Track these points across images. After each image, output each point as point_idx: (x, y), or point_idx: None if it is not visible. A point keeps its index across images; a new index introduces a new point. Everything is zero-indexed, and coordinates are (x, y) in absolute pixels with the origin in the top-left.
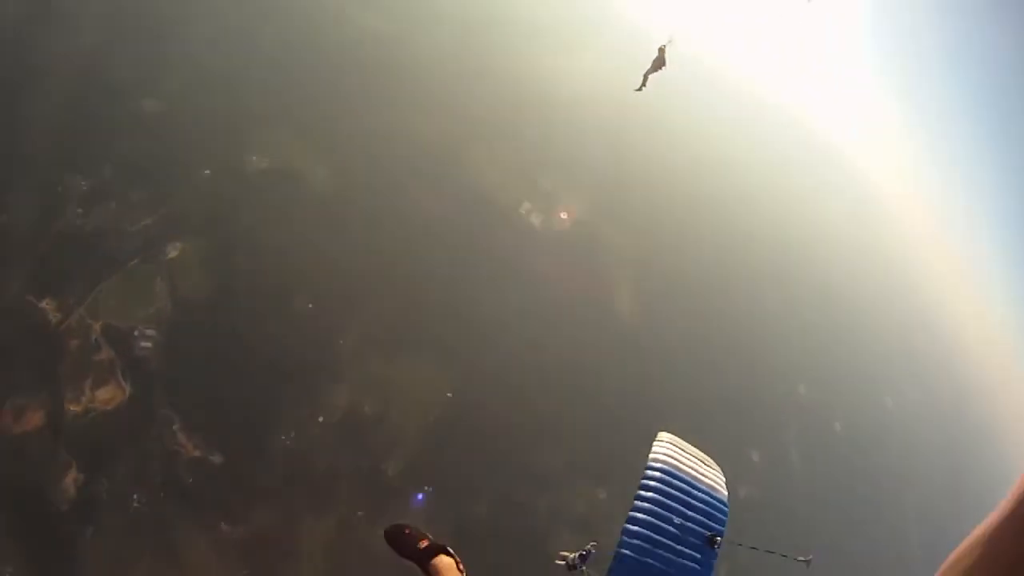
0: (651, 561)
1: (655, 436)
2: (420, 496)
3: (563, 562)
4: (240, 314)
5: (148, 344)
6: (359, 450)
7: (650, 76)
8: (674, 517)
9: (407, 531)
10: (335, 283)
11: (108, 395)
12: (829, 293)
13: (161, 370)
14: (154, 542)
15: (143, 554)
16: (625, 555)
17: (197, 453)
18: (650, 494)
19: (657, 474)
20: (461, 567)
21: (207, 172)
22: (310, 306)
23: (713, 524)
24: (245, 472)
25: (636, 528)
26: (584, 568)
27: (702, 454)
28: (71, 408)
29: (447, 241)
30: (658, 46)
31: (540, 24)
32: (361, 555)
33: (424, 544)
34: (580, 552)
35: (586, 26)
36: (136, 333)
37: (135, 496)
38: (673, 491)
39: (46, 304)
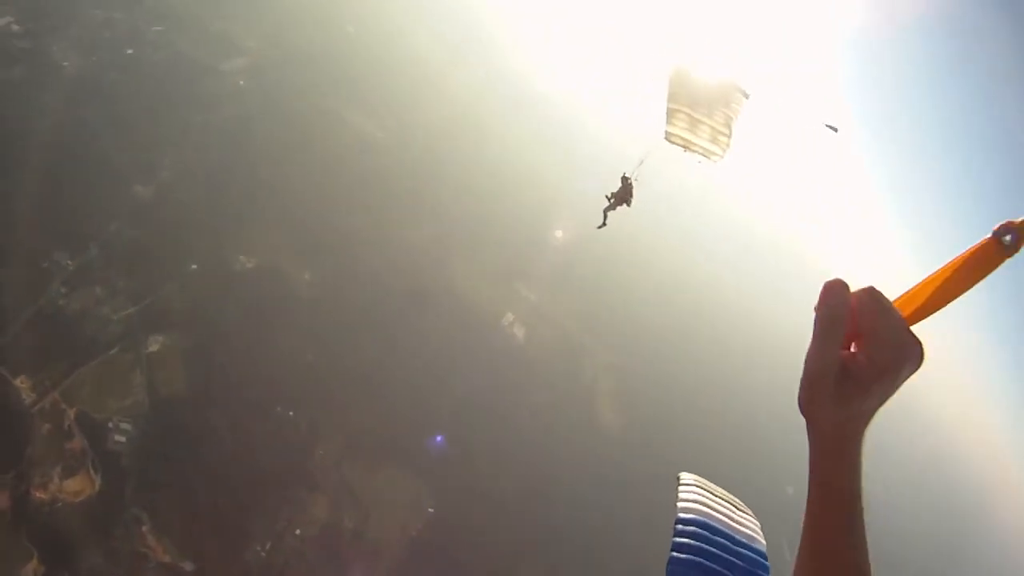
0: None
1: (677, 478)
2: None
3: None
4: (218, 416)
5: (122, 438)
6: (337, 565)
7: (612, 211)
8: None
9: None
10: (315, 390)
11: (77, 486)
12: None
13: (133, 466)
14: None
15: None
16: None
17: (167, 559)
18: (685, 556)
19: (692, 528)
20: None
21: (194, 267)
22: (291, 414)
23: None
24: None
25: None
26: None
27: (731, 496)
28: (38, 495)
29: (429, 351)
30: (623, 175)
31: (527, 140)
32: None
33: None
34: None
35: (570, 145)
36: (111, 425)
37: None
38: (710, 548)
39: (20, 382)
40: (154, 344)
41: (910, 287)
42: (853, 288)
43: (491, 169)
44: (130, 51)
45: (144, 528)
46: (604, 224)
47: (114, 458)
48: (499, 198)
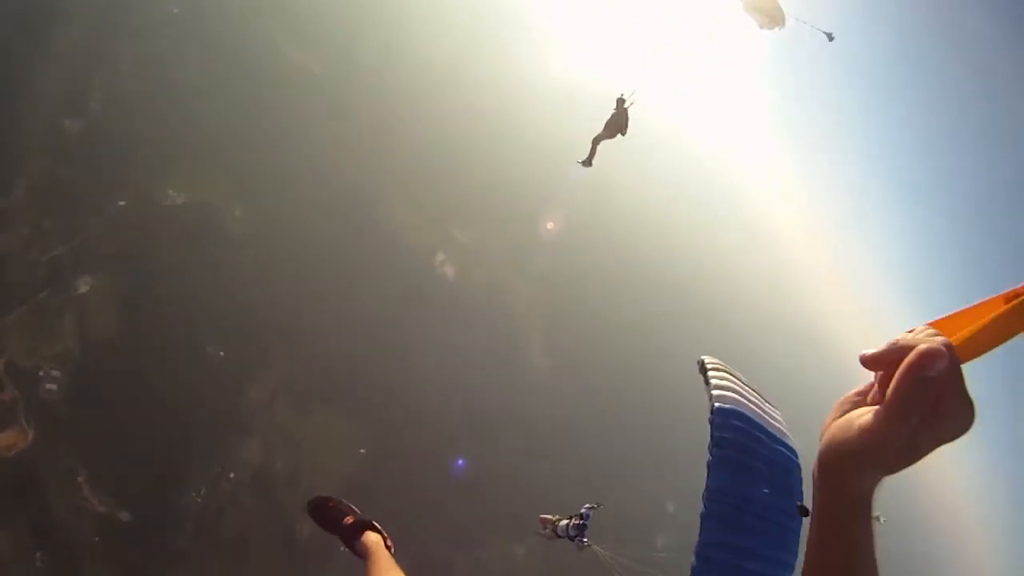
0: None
1: (700, 364)
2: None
3: (546, 530)
4: (150, 359)
5: (53, 386)
6: (271, 509)
7: (601, 143)
8: (761, 486)
9: (331, 504)
10: (247, 329)
11: (10, 440)
12: (740, 347)
13: (66, 415)
14: None
15: None
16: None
17: (103, 509)
18: (728, 453)
19: (733, 422)
20: (389, 543)
21: (122, 203)
22: (221, 354)
23: (794, 487)
24: (154, 532)
25: (714, 522)
26: (586, 541)
27: (753, 384)
28: None
29: (361, 290)
30: (619, 96)
31: (469, 77)
32: None
33: (349, 521)
34: (575, 517)
35: (516, 83)
36: (41, 373)
37: (38, 555)
38: (752, 444)
39: None
40: (84, 286)
41: (956, 310)
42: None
43: (434, 109)
44: None
45: (80, 479)
46: (590, 160)
47: (46, 407)
48: (438, 138)
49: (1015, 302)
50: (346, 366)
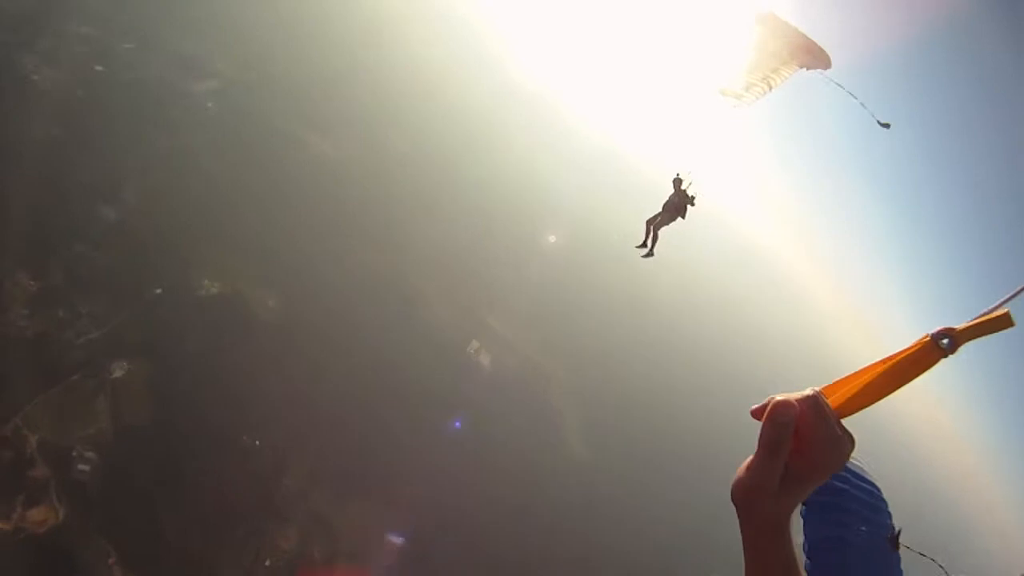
0: None
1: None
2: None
3: None
4: (183, 445)
5: (86, 467)
6: None
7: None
8: (858, 525)
9: None
10: (281, 419)
11: (40, 516)
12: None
13: (99, 496)
14: None
15: None
16: None
17: None
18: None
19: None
20: None
21: (158, 291)
22: (257, 443)
23: (884, 521)
24: None
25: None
26: None
27: None
28: (0, 526)
29: (394, 379)
30: (675, 176)
31: (498, 169)
32: None
33: None
34: None
35: (542, 167)
36: (75, 453)
37: None
38: (841, 485)
39: None
40: (118, 370)
41: (844, 375)
42: (796, 394)
43: (459, 197)
44: (100, 68)
45: (111, 561)
46: (650, 247)
47: (78, 488)
48: (465, 226)
49: (881, 369)
50: (381, 457)
